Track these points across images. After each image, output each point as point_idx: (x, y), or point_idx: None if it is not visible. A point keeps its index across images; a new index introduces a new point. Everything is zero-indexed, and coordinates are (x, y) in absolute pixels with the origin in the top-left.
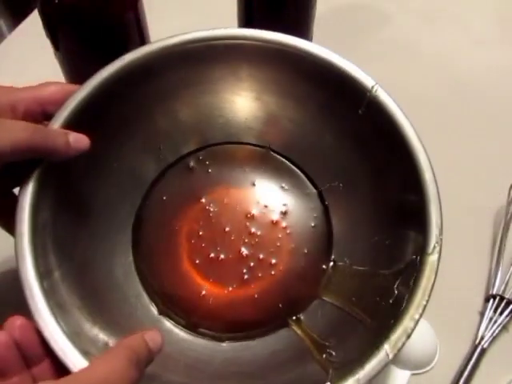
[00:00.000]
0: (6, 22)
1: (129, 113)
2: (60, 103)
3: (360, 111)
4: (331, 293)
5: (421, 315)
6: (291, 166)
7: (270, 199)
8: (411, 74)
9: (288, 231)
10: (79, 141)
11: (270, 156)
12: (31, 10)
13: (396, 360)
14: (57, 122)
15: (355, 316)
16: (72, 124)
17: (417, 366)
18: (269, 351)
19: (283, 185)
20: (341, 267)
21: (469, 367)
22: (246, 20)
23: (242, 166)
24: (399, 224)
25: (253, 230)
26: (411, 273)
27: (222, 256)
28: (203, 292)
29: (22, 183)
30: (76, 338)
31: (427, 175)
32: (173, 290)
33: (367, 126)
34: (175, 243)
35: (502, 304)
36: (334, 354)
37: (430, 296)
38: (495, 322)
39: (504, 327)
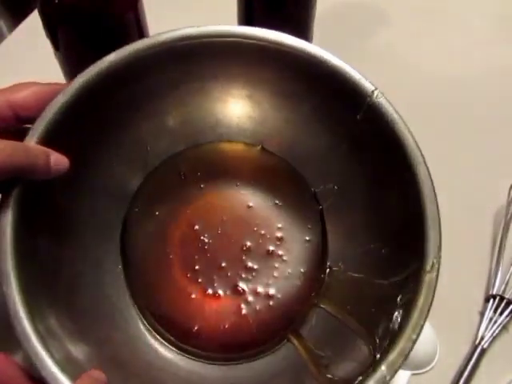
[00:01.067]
0: (6, 22)
1: (114, 117)
2: (33, 107)
3: (358, 116)
4: (326, 299)
5: (418, 335)
6: (285, 166)
7: (265, 223)
8: (411, 73)
9: (284, 258)
10: (60, 162)
11: (262, 156)
12: (31, 10)
13: None
14: (35, 134)
15: (350, 326)
16: (51, 135)
17: (417, 366)
18: (267, 372)
19: (277, 201)
20: (335, 272)
21: (469, 367)
22: (246, 20)
23: (234, 176)
24: (396, 234)
25: (249, 264)
26: (408, 289)
27: (220, 292)
28: (196, 327)
29: (1, 204)
30: (65, 364)
31: (426, 190)
32: (167, 321)
33: (365, 131)
34: (169, 275)
35: (502, 304)
36: (329, 366)
37: (427, 316)
38: (495, 322)
39: (504, 327)
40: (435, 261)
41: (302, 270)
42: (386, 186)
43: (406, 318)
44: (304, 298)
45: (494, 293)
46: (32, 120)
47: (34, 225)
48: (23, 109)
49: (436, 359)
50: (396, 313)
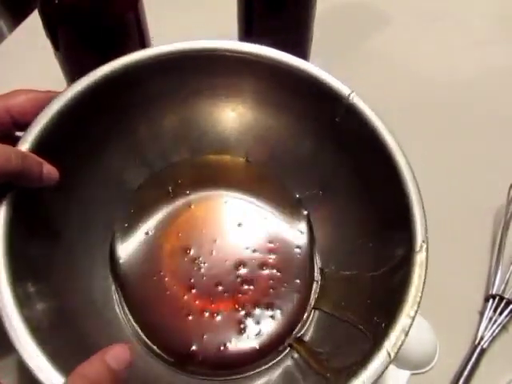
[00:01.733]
0: (6, 22)
1: (102, 130)
2: (30, 113)
3: (337, 119)
4: (322, 301)
5: (416, 312)
6: (270, 176)
7: (256, 237)
8: (411, 73)
9: (279, 269)
10: (51, 173)
11: (248, 168)
12: (31, 10)
13: (396, 360)
14: (27, 141)
15: (347, 320)
16: (42, 143)
17: (417, 365)
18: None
19: (265, 214)
20: (327, 274)
21: (468, 367)
22: (246, 20)
23: (222, 190)
24: (382, 226)
25: (244, 279)
26: (401, 272)
27: (218, 311)
28: (193, 347)
29: None
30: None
31: (407, 176)
32: (162, 342)
33: (345, 132)
34: (163, 296)
35: (502, 304)
36: (331, 359)
37: (422, 293)
38: (495, 321)
39: (504, 327)
40: (424, 241)
41: (296, 279)
42: (369, 182)
43: (402, 297)
44: (302, 306)
45: (494, 292)
46: (27, 126)
47: (26, 228)
48: (20, 114)
49: (436, 359)
50: (392, 296)
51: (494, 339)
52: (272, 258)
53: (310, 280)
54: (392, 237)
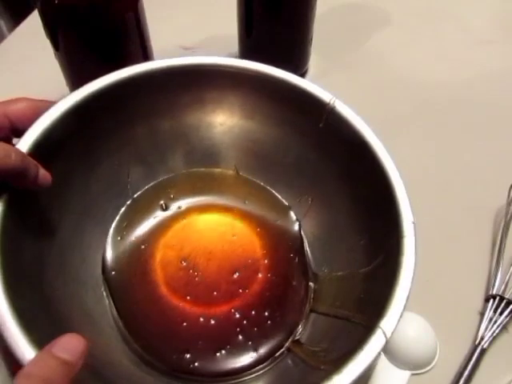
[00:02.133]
0: (6, 22)
1: (95, 143)
2: (28, 119)
3: (321, 125)
4: (317, 303)
5: (408, 295)
6: (260, 188)
7: (250, 248)
8: (412, 73)
9: (273, 276)
10: (45, 178)
11: (238, 181)
12: (31, 10)
13: (396, 360)
14: (26, 143)
15: (342, 317)
16: (38, 148)
17: (417, 366)
18: None
19: (257, 225)
20: (321, 277)
21: (469, 367)
22: (246, 20)
23: (214, 205)
24: (372, 221)
25: (241, 291)
26: (392, 261)
27: (214, 318)
28: (188, 356)
29: None
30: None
31: (388, 165)
32: (156, 351)
33: (329, 137)
34: (158, 304)
35: (502, 304)
36: (327, 355)
37: (414, 275)
38: (495, 322)
39: (504, 327)
40: (411, 224)
41: (291, 283)
42: (356, 182)
43: (394, 281)
44: (298, 309)
45: (494, 293)
46: (24, 133)
47: (19, 232)
48: (19, 119)
49: (436, 359)
50: (384, 285)
51: (494, 339)
52: (266, 263)
53: (305, 283)
54: (380, 229)
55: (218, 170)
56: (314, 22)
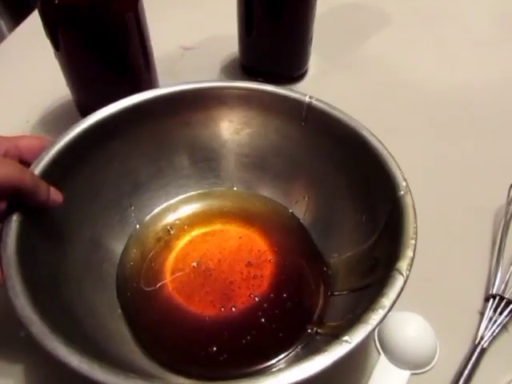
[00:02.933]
0: (6, 22)
1: (100, 171)
2: (36, 150)
3: (303, 123)
4: (332, 286)
5: (416, 240)
6: (259, 196)
7: (258, 246)
8: (412, 73)
9: (287, 266)
10: (56, 195)
11: (236, 194)
12: (31, 10)
13: (396, 360)
14: (37, 168)
15: (358, 289)
16: (50, 170)
17: (416, 365)
18: None
19: (263, 229)
20: (332, 263)
21: (469, 367)
22: (246, 20)
23: (219, 217)
24: (368, 197)
25: (254, 275)
26: (393, 222)
27: (234, 309)
28: (215, 349)
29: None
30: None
31: (374, 143)
32: (180, 353)
33: (313, 133)
34: (179, 312)
35: (502, 304)
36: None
37: (417, 224)
38: (495, 321)
39: (504, 327)
40: (404, 185)
41: (305, 269)
42: (346, 169)
43: (400, 231)
44: (315, 292)
45: (494, 292)
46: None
47: (35, 243)
48: (28, 150)
49: (436, 359)
50: (391, 243)
51: (494, 339)
52: (276, 251)
53: (319, 269)
54: (377, 199)
55: (217, 189)
56: (314, 22)
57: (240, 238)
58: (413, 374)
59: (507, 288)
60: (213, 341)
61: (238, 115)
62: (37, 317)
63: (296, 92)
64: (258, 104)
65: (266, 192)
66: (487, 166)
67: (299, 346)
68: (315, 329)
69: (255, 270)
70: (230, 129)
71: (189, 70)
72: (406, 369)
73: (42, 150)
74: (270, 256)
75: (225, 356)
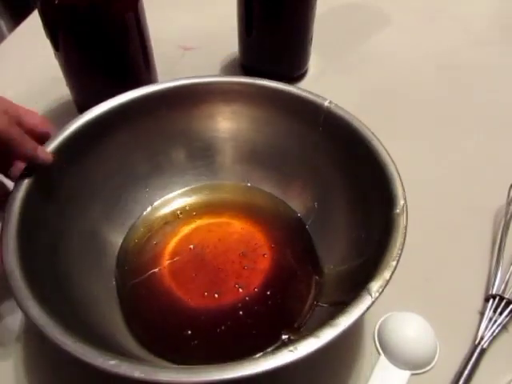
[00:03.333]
0: (6, 22)
1: (98, 168)
2: (36, 125)
3: (320, 128)
4: (322, 296)
5: (397, 262)
6: (269, 195)
7: (257, 241)
8: (412, 73)
9: (279, 264)
10: (44, 154)
11: (247, 189)
12: (31, 10)
13: (396, 360)
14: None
15: (339, 303)
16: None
17: (416, 366)
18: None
19: (267, 226)
20: (326, 272)
21: (469, 367)
22: (246, 20)
23: (225, 212)
24: (369, 211)
25: (245, 266)
26: (383, 240)
27: (216, 295)
28: (189, 332)
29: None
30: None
31: (383, 154)
32: (155, 335)
33: (328, 138)
34: (165, 289)
35: (502, 304)
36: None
37: (403, 247)
38: (495, 321)
39: (504, 327)
40: (401, 204)
41: (297, 271)
42: (357, 178)
43: (382, 253)
44: (300, 298)
45: (494, 292)
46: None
47: (36, 223)
48: (28, 119)
49: (436, 359)
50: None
51: (494, 339)
52: (273, 248)
53: (310, 276)
54: (376, 213)
55: (228, 182)
56: (314, 22)
57: (242, 228)
58: (413, 375)
59: (507, 288)
60: (188, 325)
61: (259, 112)
62: (35, 302)
63: (316, 95)
64: (277, 103)
65: (277, 193)
66: (487, 166)
67: (269, 349)
68: (289, 336)
69: (248, 261)
70: (250, 123)
71: (189, 69)
72: (405, 369)
73: (43, 127)
74: (265, 251)
75: (195, 342)
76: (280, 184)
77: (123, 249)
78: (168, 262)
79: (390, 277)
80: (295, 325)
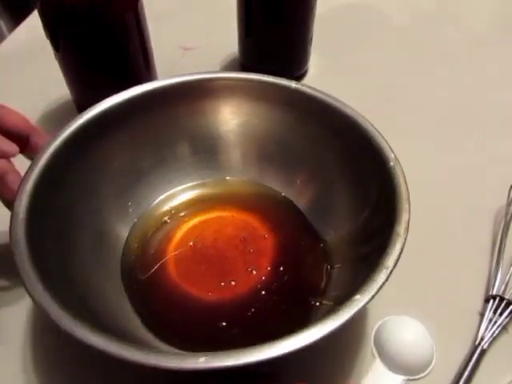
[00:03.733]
0: (6, 22)
1: (92, 171)
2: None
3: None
4: (330, 261)
5: (409, 205)
6: (254, 183)
7: (255, 223)
8: (411, 73)
9: (283, 241)
10: (9, 146)
11: (253, 187)
12: (31, 10)
13: (391, 365)
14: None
15: (358, 258)
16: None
17: (411, 371)
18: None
19: (257, 210)
20: (328, 240)
21: (469, 368)
22: (246, 20)
23: (226, 207)
24: (361, 173)
25: (251, 251)
26: (384, 191)
27: (233, 283)
28: (223, 324)
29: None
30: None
31: (360, 119)
32: (185, 329)
33: (301, 115)
34: (178, 291)
35: (502, 305)
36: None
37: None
38: (495, 322)
39: (504, 328)
40: (392, 156)
41: (301, 243)
42: (337, 146)
43: (393, 200)
44: (313, 267)
45: (494, 293)
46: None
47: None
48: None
49: (432, 364)
50: (387, 212)
51: (494, 340)
52: (270, 227)
53: (315, 245)
54: (369, 173)
55: (215, 178)
56: (314, 22)
57: (233, 216)
58: (409, 380)
59: (507, 289)
60: (220, 316)
61: (237, 106)
62: (47, 293)
63: (281, 79)
64: (247, 94)
65: (260, 178)
66: (487, 166)
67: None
68: (319, 300)
69: (251, 244)
70: (229, 120)
71: (189, 70)
72: (400, 374)
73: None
74: (264, 232)
75: (235, 330)
76: (262, 171)
77: (128, 244)
78: (174, 258)
79: (409, 218)
80: (320, 289)
